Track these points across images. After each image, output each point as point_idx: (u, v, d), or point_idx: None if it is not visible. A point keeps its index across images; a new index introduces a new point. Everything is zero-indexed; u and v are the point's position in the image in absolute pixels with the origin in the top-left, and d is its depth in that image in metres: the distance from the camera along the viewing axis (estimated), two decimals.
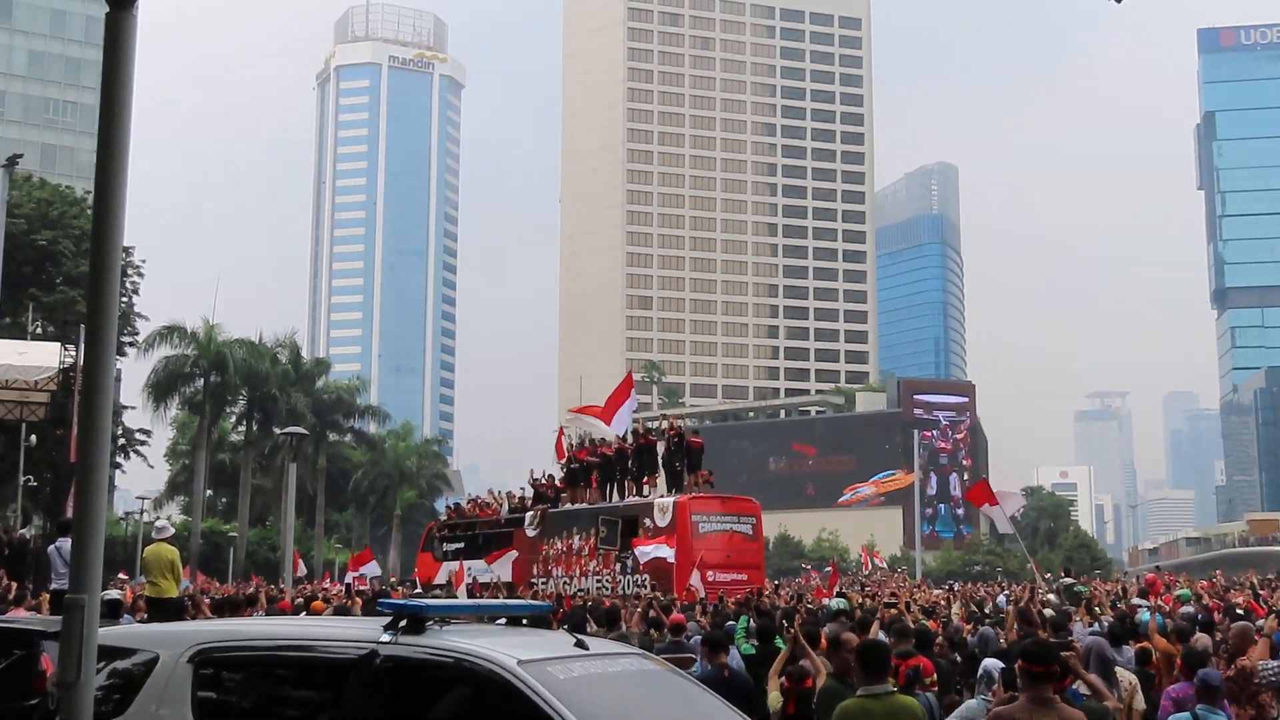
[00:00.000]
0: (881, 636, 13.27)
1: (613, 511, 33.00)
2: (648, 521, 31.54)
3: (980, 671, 11.81)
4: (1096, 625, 16.64)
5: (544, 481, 37.72)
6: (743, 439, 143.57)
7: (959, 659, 15.33)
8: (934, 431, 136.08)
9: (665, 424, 34.64)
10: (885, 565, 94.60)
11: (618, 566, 32.40)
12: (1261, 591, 30.41)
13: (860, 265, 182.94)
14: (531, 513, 36.52)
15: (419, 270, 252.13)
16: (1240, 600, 22.46)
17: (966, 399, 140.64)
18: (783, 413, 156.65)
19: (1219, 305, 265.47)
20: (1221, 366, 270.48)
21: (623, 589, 30.74)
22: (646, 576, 30.25)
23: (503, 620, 6.67)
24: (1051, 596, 20.53)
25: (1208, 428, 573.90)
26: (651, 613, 17.68)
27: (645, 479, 33.82)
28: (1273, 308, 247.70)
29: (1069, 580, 26.47)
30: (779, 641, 12.40)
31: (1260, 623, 13.07)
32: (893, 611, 17.63)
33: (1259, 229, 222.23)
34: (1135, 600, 21.86)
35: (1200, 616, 19.75)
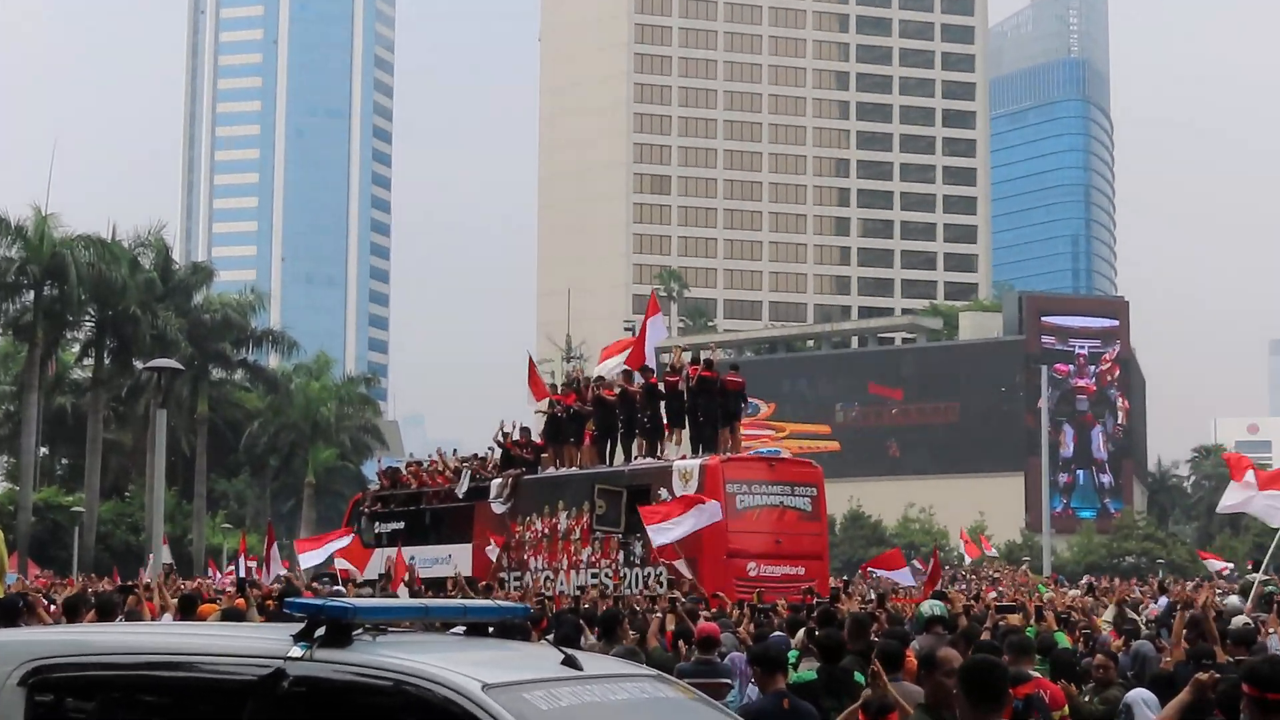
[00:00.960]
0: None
1: (614, 479, 33.13)
2: (664, 492, 31.67)
3: (1121, 706, 11.89)
4: None
5: (517, 438, 37.84)
6: (798, 377, 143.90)
7: None
8: (1071, 366, 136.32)
9: (688, 356, 34.69)
10: (996, 554, 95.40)
11: (621, 555, 32.60)
12: None
13: (967, 132, 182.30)
14: (499, 480, 36.67)
15: (338, 140, 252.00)
16: None
17: (1117, 322, 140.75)
18: (855, 340, 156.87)
19: None
20: None
21: (628, 585, 30.90)
22: (662, 569, 30.46)
23: (460, 628, 6.71)
24: (1233, 599, 20.64)
25: None
26: (670, 621, 17.83)
27: (662, 434, 33.91)
28: None
29: (1259, 577, 26.61)
30: (852, 667, 12.49)
31: None
32: (1013, 619, 17.75)
33: None
34: None
35: None
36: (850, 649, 12.95)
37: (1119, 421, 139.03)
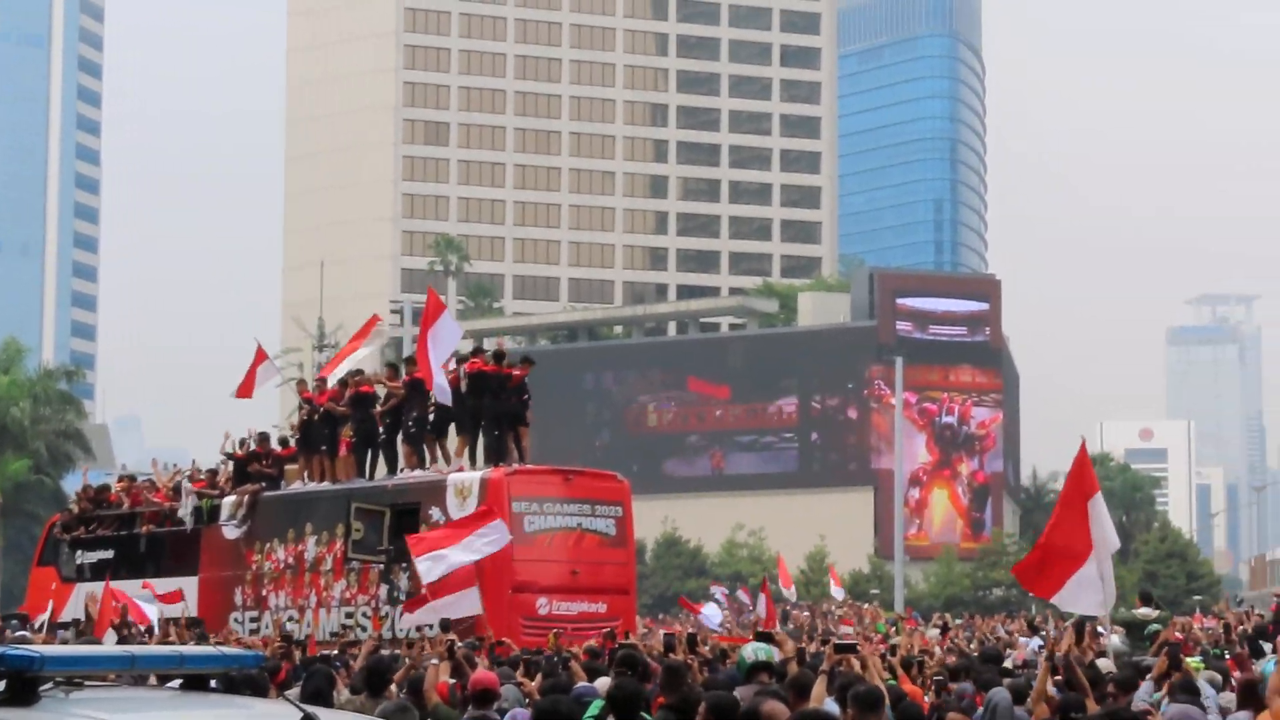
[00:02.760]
0: (830, 706, 13.63)
1: (375, 496, 33.05)
2: (436, 512, 31.69)
3: None
4: (1188, 685, 17.23)
5: (254, 447, 37.57)
6: (603, 370, 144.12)
7: None
8: (933, 359, 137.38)
9: (468, 347, 34.70)
10: (843, 593, 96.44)
11: (383, 590, 32.53)
12: None
13: (810, 73, 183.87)
14: (232, 499, 36.42)
15: (35, 65, 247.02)
16: None
17: (987, 305, 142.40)
18: (673, 326, 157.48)
19: None
20: None
21: (392, 628, 30.85)
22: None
23: (177, 682, 6.71)
24: (1115, 638, 21.21)
25: None
26: (443, 672, 17.85)
27: (432, 440, 33.90)
28: None
29: (1145, 612, 27.27)
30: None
31: None
32: (853, 663, 17.99)
33: None
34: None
35: None
36: (663, 702, 13.04)
37: (988, 423, 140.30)
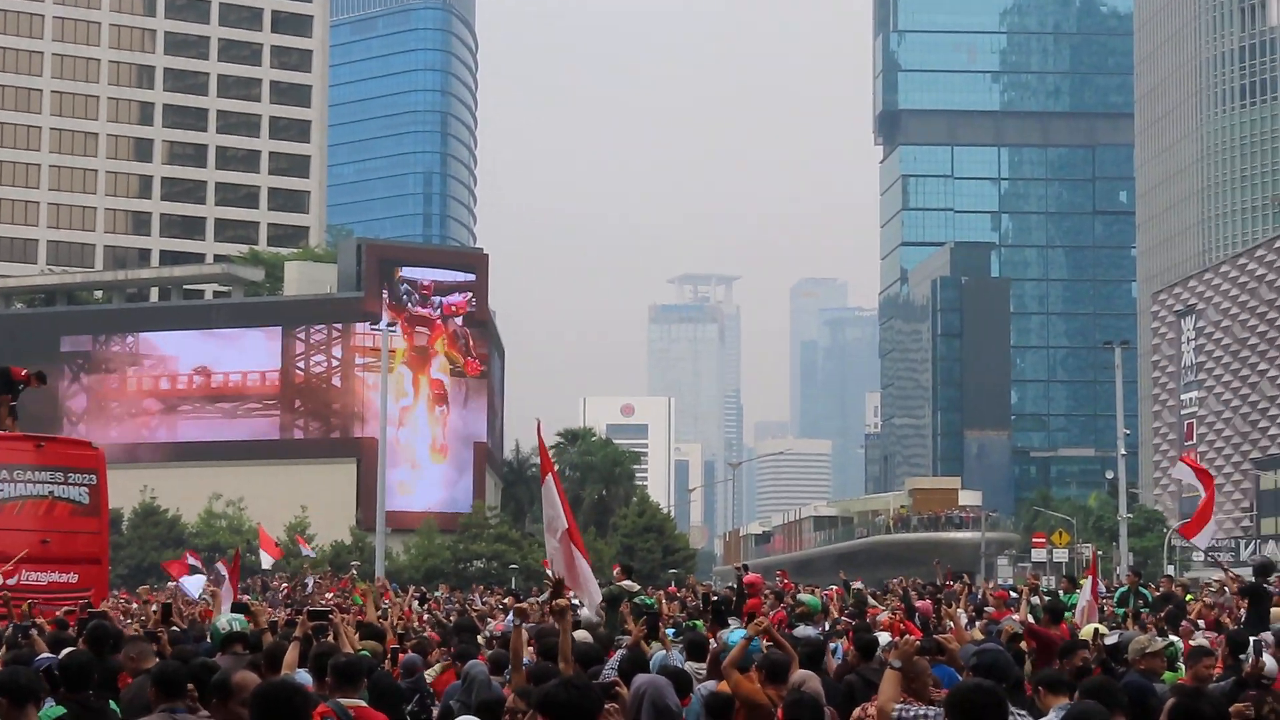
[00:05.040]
0: (303, 675, 13.62)
1: None
2: None
3: None
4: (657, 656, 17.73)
5: None
6: (80, 334, 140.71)
7: None
8: (426, 331, 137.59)
9: None
10: (313, 554, 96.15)
11: None
12: (920, 602, 33.31)
13: (301, 40, 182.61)
14: None
15: None
16: (885, 618, 24.47)
17: (474, 278, 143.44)
18: (155, 292, 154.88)
19: (885, 138, 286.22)
20: (884, 243, 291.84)
21: None
22: None
23: None
24: (584, 611, 21.63)
25: (859, 339, 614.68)
26: None
27: None
28: (966, 145, 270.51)
29: (628, 584, 27.81)
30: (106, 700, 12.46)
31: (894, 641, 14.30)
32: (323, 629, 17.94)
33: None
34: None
35: (829, 639, 21.38)
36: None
37: (473, 394, 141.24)
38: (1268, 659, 15.24)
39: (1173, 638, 20.03)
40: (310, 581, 59.95)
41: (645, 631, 18.44)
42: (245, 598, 32.97)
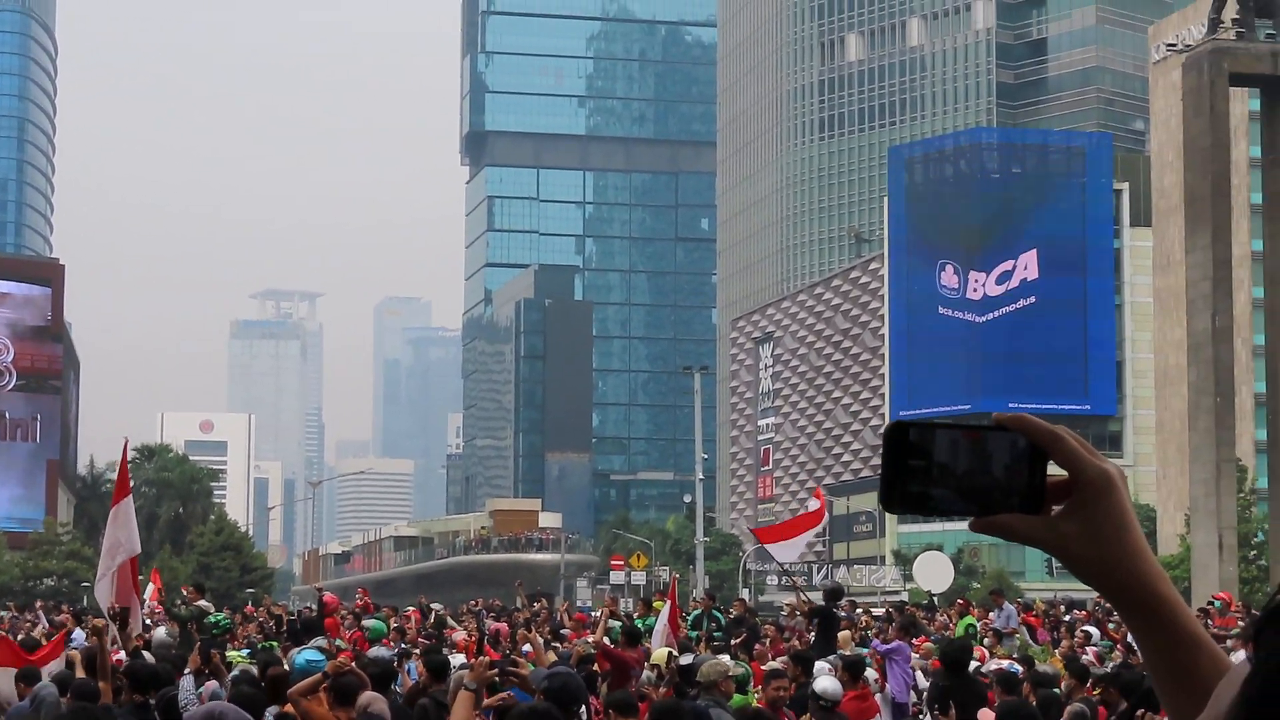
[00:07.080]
0: None
1: None
2: None
3: None
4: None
5: None
6: None
7: None
8: None
9: None
10: None
11: None
12: (495, 624, 33.54)
13: None
14: None
15: None
16: (460, 638, 24.64)
17: (49, 290, 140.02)
18: None
19: (472, 159, 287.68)
20: (469, 264, 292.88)
21: None
22: None
23: None
24: (160, 630, 21.28)
25: (443, 359, 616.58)
26: None
27: None
28: (551, 169, 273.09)
29: (203, 604, 27.46)
30: None
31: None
32: None
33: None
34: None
35: (403, 660, 21.47)
36: None
37: (45, 413, 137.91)
38: (829, 681, 15.64)
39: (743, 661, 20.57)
40: None
41: (200, 662, 18.13)
42: None
